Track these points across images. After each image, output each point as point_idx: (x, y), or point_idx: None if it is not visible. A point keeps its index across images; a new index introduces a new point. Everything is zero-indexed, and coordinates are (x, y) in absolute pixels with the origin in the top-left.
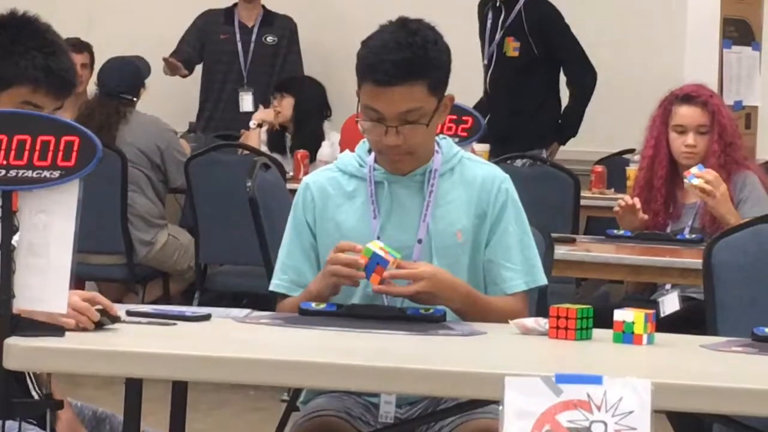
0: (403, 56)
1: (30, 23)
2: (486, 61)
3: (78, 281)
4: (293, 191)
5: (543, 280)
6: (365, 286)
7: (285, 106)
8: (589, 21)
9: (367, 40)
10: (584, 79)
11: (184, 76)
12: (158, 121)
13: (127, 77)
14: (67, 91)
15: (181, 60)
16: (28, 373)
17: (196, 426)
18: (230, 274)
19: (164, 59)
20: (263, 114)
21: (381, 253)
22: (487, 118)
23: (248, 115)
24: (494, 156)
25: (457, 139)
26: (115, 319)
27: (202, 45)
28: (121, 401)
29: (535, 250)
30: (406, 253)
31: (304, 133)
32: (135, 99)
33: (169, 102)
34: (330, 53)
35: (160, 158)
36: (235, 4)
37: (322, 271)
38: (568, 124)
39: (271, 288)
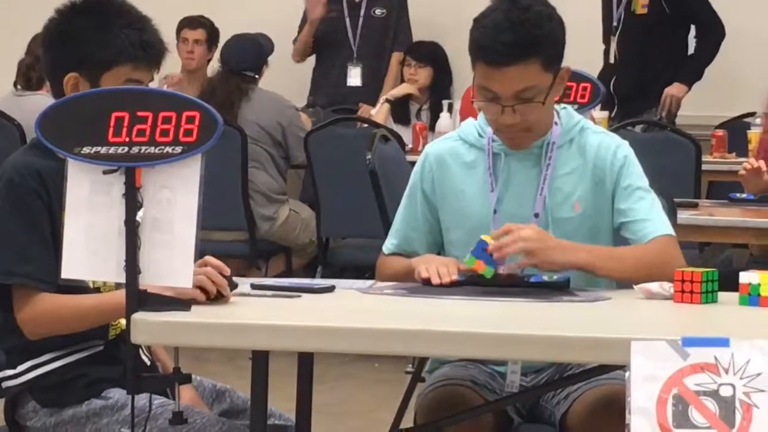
0: (516, 36)
1: (113, 2)
2: (615, 23)
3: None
4: (413, 163)
5: (672, 231)
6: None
7: (423, 75)
8: None
9: (480, 18)
10: (714, 31)
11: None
12: (280, 98)
13: (249, 54)
14: (160, 62)
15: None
16: None
17: (322, 399)
18: (352, 247)
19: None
20: (397, 91)
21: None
22: (612, 81)
23: (355, 90)
24: (621, 117)
25: (576, 106)
26: (232, 285)
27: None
28: (244, 377)
29: (660, 206)
30: None
31: (439, 103)
32: (257, 76)
33: (287, 77)
34: (440, 18)
35: (282, 135)
36: None
37: (428, 257)
38: (695, 66)
39: (383, 249)
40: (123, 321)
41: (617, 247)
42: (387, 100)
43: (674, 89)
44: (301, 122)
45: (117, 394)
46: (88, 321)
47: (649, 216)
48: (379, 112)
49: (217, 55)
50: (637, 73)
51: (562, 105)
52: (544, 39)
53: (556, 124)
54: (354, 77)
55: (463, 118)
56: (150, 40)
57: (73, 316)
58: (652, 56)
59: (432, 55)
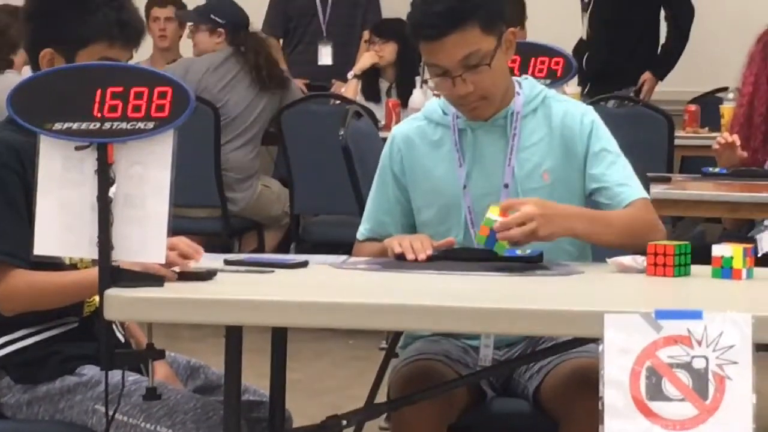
0: (445, 5)
1: None
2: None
3: (174, 235)
4: (386, 139)
5: (646, 194)
6: (456, 234)
7: (388, 51)
8: None
9: None
10: (684, 16)
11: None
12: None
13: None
14: (138, 41)
15: (275, 28)
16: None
17: (296, 376)
18: (325, 224)
19: None
20: (362, 64)
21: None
22: (585, 57)
23: (327, 68)
24: (592, 94)
25: (548, 81)
26: (210, 274)
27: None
28: (217, 354)
29: (632, 169)
30: (493, 199)
31: (406, 79)
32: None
33: None
34: None
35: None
36: None
37: (398, 237)
38: (667, 60)
39: (357, 236)
40: (98, 298)
41: (605, 211)
42: (355, 75)
43: (649, 82)
44: (298, 91)
45: (91, 371)
46: (65, 297)
47: (623, 180)
48: (349, 88)
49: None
50: (607, 51)
51: (524, 76)
52: (476, 2)
53: (518, 94)
54: (325, 56)
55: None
56: (127, 19)
57: (50, 292)
58: (622, 35)
59: (396, 30)
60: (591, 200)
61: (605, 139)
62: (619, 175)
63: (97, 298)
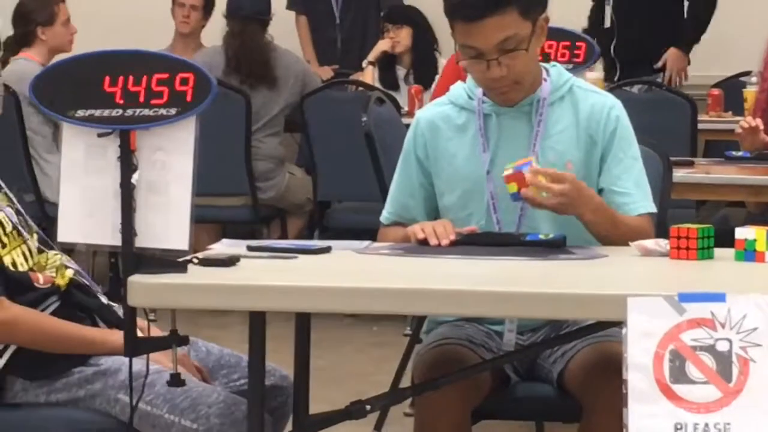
0: None
1: None
2: None
3: (210, 225)
4: (408, 126)
5: (654, 208)
6: (479, 219)
7: (404, 36)
8: None
9: None
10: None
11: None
12: (295, 57)
13: None
14: None
15: (297, 5)
16: None
17: (320, 363)
18: (349, 210)
19: None
20: (375, 51)
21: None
22: (613, 45)
23: (342, 54)
24: (623, 78)
25: (570, 66)
26: (232, 260)
27: None
28: (241, 342)
29: (646, 178)
30: None
31: (423, 63)
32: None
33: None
34: None
35: (299, 95)
36: None
37: (420, 223)
38: (693, 31)
39: (381, 219)
40: (69, 271)
41: (615, 212)
42: (370, 63)
43: (677, 61)
44: (316, 79)
45: (108, 361)
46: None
47: (634, 190)
48: (365, 76)
49: (210, 25)
50: (638, 35)
51: (552, 63)
52: None
53: (545, 80)
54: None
55: (443, 82)
56: None
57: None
58: (650, 17)
59: (407, 15)
60: (599, 196)
61: (627, 140)
62: (631, 183)
63: (68, 271)
